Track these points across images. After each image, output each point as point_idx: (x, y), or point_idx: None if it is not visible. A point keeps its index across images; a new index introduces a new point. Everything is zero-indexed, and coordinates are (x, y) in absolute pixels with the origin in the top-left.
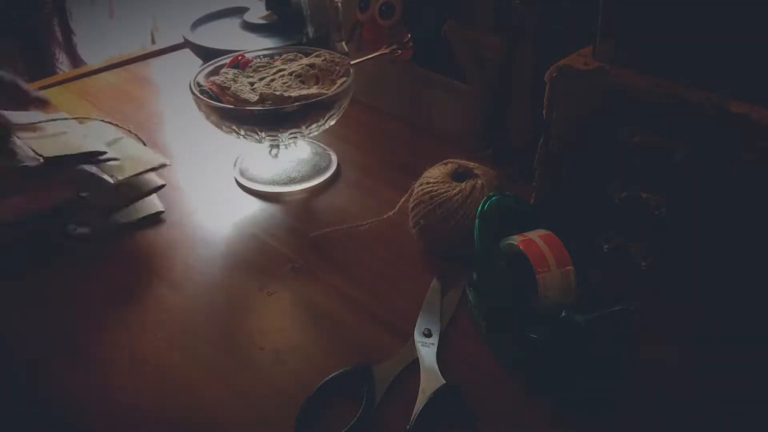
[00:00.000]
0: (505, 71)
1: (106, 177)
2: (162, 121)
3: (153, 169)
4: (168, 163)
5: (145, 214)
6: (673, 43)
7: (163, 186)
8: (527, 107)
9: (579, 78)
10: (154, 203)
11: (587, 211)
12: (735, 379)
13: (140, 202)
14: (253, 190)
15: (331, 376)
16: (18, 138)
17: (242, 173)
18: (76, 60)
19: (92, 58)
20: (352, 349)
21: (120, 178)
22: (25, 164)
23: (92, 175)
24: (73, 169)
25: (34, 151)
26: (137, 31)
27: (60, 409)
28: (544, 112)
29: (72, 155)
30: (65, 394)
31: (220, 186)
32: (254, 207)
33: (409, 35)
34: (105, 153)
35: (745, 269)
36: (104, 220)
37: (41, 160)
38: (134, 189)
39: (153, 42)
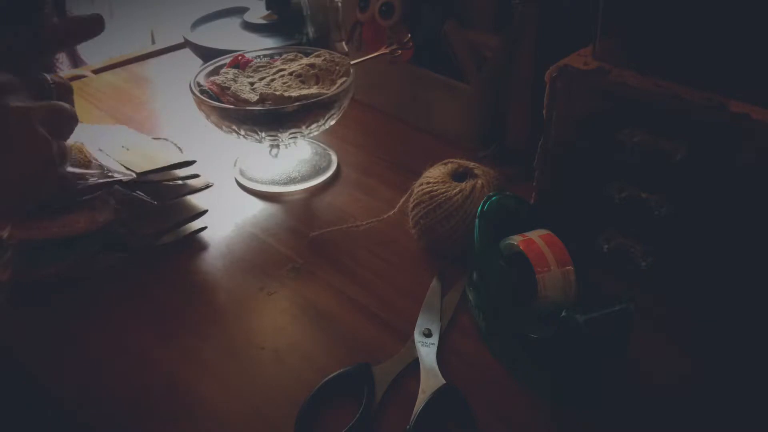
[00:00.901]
0: (505, 71)
1: (147, 199)
2: (162, 121)
3: (198, 190)
4: (211, 183)
5: (188, 232)
6: (673, 42)
7: (205, 212)
8: (527, 107)
9: (579, 78)
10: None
11: (587, 211)
12: (736, 379)
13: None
14: (253, 189)
15: (331, 375)
16: (105, 153)
17: (242, 173)
18: (76, 60)
19: (92, 58)
20: (352, 349)
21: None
22: (118, 179)
23: (133, 196)
24: (116, 190)
25: (124, 166)
26: (137, 31)
27: (59, 408)
28: (544, 112)
29: (161, 168)
30: (64, 393)
31: (220, 186)
32: (254, 207)
33: (409, 35)
34: (194, 162)
35: (745, 269)
36: (143, 242)
37: (134, 174)
38: (177, 212)
39: (153, 42)
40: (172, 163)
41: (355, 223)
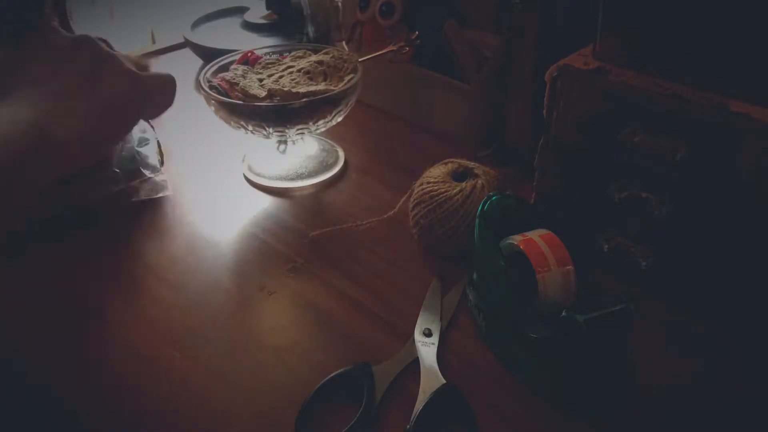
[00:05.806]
0: (505, 71)
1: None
2: (162, 120)
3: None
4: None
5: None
6: (673, 42)
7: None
8: (527, 107)
9: (579, 78)
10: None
11: (587, 211)
12: (736, 379)
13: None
14: (261, 185)
15: (331, 375)
16: None
17: (250, 169)
18: None
19: None
20: (352, 349)
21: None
22: None
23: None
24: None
25: None
26: (137, 31)
27: (59, 408)
28: (544, 112)
29: None
30: (65, 393)
31: (228, 182)
32: (257, 203)
33: (417, 32)
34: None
35: (745, 269)
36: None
37: None
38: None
39: (153, 42)
40: None
41: (356, 222)
